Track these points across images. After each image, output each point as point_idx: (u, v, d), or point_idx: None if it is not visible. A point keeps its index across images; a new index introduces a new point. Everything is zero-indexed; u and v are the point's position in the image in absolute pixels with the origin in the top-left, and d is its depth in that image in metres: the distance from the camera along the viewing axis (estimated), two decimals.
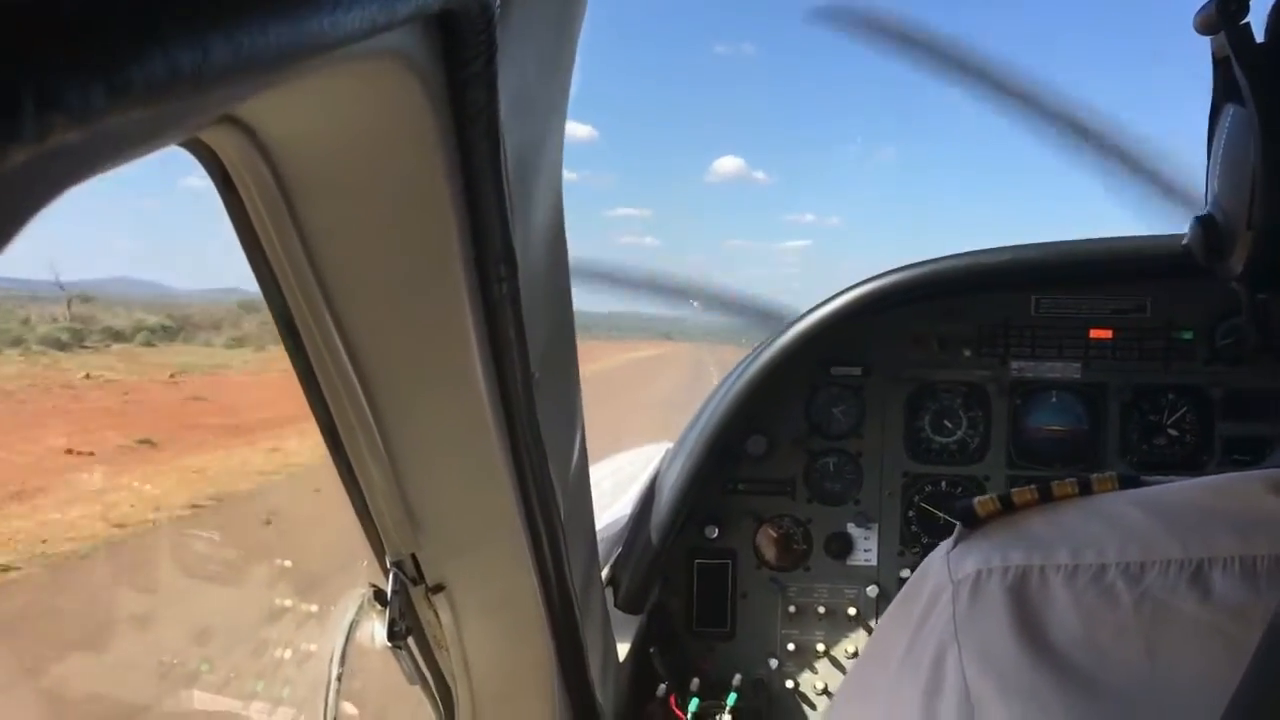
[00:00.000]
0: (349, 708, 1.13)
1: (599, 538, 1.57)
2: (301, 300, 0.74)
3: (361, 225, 0.72)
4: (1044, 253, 1.87)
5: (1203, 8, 0.68)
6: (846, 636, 1.98)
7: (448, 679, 1.19)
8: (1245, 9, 0.65)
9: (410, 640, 1.08)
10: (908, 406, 1.95)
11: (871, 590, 1.96)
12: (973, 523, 0.66)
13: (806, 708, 2.00)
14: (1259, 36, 0.66)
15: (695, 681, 1.90)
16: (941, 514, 1.93)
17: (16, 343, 7.19)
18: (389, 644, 1.02)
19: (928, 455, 1.95)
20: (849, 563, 1.97)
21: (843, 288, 1.89)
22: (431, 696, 1.20)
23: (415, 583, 1.03)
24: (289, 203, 0.67)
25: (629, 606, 1.89)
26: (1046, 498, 0.65)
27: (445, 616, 1.09)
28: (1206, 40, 0.70)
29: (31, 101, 0.25)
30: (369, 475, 0.91)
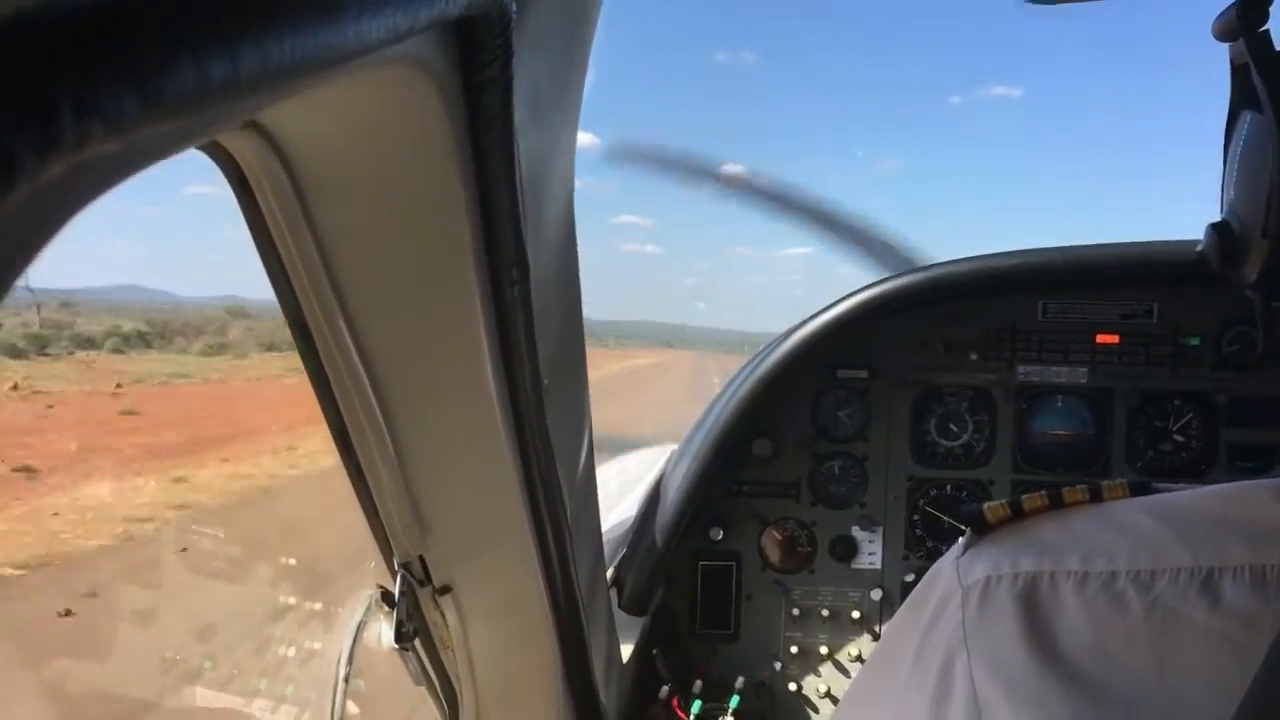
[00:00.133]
0: (349, 707, 1.13)
1: (604, 539, 1.57)
2: (315, 303, 0.75)
3: (375, 229, 0.72)
4: (1051, 257, 1.86)
5: (1222, 14, 0.68)
6: (850, 640, 1.98)
7: (453, 680, 1.19)
8: (1265, 16, 0.65)
9: (416, 641, 1.08)
10: (913, 410, 1.95)
11: (876, 594, 1.95)
12: (982, 528, 0.66)
13: (809, 710, 1.99)
14: (1279, 44, 0.66)
15: (698, 683, 1.90)
16: (946, 518, 1.93)
17: None
18: (396, 645, 1.02)
19: (933, 459, 1.95)
20: (853, 566, 1.97)
21: (847, 292, 1.89)
22: (436, 697, 1.20)
23: (423, 584, 1.03)
24: (304, 206, 0.68)
25: (633, 608, 1.89)
26: (1057, 504, 0.65)
27: (451, 618, 1.09)
28: None
29: (70, 111, 0.25)
30: (378, 477, 0.91)
